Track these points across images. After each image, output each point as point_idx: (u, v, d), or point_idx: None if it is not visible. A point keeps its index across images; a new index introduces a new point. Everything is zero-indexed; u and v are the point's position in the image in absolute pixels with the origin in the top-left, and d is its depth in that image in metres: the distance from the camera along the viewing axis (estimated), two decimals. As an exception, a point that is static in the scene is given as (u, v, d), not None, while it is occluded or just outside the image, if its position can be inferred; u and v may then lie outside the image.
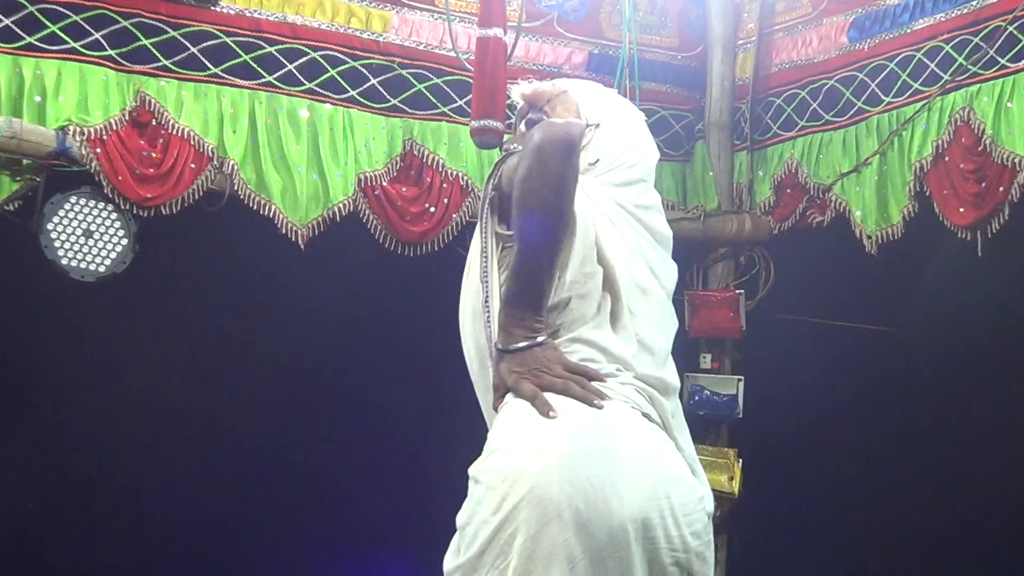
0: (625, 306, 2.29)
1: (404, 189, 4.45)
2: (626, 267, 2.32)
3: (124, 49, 4.05)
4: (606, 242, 2.31)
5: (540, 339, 2.21)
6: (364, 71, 4.43)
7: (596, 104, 2.53)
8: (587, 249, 2.28)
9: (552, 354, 2.21)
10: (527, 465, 2.09)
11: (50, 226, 3.98)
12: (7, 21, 3.86)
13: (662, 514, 2.08)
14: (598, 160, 2.46)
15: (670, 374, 2.35)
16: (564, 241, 2.22)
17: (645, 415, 2.21)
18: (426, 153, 4.49)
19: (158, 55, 4.10)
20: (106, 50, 4.01)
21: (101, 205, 4.04)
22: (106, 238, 4.06)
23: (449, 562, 2.18)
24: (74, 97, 3.94)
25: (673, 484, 2.12)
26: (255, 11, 4.26)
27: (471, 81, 4.53)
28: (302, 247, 4.26)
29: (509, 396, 2.22)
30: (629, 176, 2.46)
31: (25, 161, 3.90)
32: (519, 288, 2.22)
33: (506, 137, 2.62)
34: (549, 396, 2.16)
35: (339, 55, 4.39)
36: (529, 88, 2.57)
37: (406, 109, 4.49)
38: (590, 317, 2.27)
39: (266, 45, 4.27)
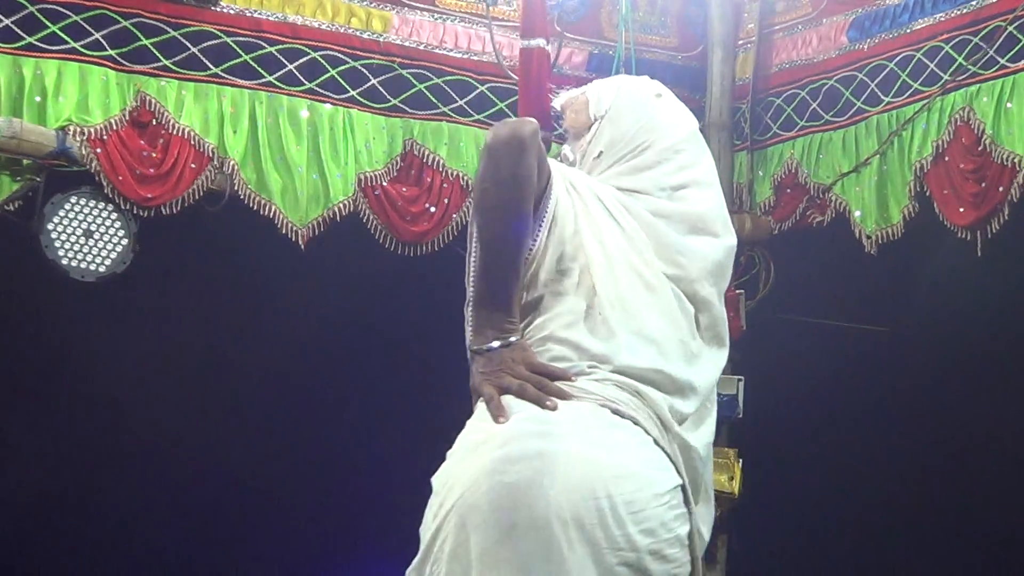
0: (607, 302, 2.25)
1: (404, 189, 4.45)
2: (619, 260, 2.30)
3: (124, 49, 4.05)
4: (590, 237, 2.30)
5: (511, 339, 2.20)
6: (364, 71, 4.43)
7: (602, 97, 2.52)
8: (564, 246, 2.28)
9: (519, 354, 2.20)
10: (462, 471, 2.11)
11: (50, 226, 3.98)
12: (7, 21, 3.86)
13: (601, 513, 2.03)
14: (601, 152, 2.47)
15: (680, 369, 2.28)
16: (526, 240, 2.21)
17: (617, 412, 2.16)
18: (426, 153, 4.49)
19: (158, 55, 4.10)
20: (106, 50, 4.02)
21: (101, 205, 4.04)
22: (106, 238, 4.06)
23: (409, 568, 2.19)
24: (74, 97, 3.95)
25: (617, 482, 2.05)
26: (255, 11, 4.27)
27: (472, 81, 4.58)
28: (302, 247, 4.26)
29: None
30: (646, 159, 2.43)
31: (25, 161, 3.91)
32: (484, 289, 2.22)
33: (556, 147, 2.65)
34: (507, 398, 2.16)
35: (339, 55, 4.39)
36: (563, 98, 2.60)
37: (406, 109, 4.49)
38: (565, 314, 2.25)
39: (266, 45, 4.27)
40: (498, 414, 2.14)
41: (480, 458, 2.09)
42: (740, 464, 4.71)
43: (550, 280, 2.27)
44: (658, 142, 2.45)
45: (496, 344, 2.20)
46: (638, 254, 2.33)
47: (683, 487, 2.19)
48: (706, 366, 2.35)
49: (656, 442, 2.18)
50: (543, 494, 2.02)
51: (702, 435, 2.33)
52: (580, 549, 2.02)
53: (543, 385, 2.16)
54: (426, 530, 2.12)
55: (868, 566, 4.93)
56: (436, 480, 2.16)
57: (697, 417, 2.33)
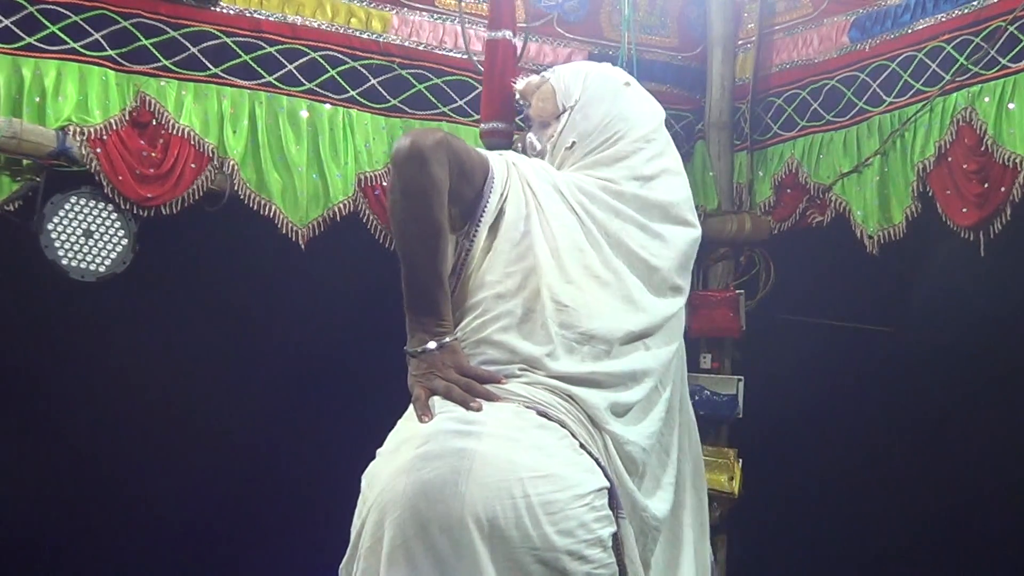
0: (551, 305, 2.27)
1: (404, 189, 4.44)
2: (572, 260, 2.31)
3: (124, 49, 4.04)
4: (540, 238, 2.31)
5: (444, 341, 2.25)
6: (364, 71, 4.43)
7: (570, 87, 2.54)
8: (512, 245, 2.31)
9: (449, 357, 2.24)
10: (383, 469, 2.16)
11: (50, 226, 3.97)
12: (7, 21, 3.85)
13: (516, 513, 2.05)
14: (574, 143, 2.48)
15: (627, 361, 2.31)
16: (439, 245, 2.24)
17: (543, 414, 2.19)
18: (426, 153, 4.48)
19: (158, 55, 4.10)
20: (106, 50, 4.01)
21: (101, 205, 4.04)
22: (106, 238, 4.06)
23: None
24: (74, 97, 3.94)
25: (534, 483, 2.08)
26: (255, 11, 4.27)
27: (471, 81, 4.57)
28: (302, 247, 4.26)
29: None
30: (619, 150, 2.45)
31: (25, 161, 3.90)
32: (409, 295, 2.28)
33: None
34: (434, 399, 2.20)
35: (339, 55, 4.39)
36: (522, 83, 2.61)
37: (406, 109, 4.49)
38: (503, 317, 2.28)
39: (266, 45, 4.27)
40: (422, 414, 2.19)
41: (400, 456, 2.14)
42: (740, 464, 4.72)
43: (495, 282, 2.30)
44: (630, 132, 2.47)
45: (426, 347, 2.24)
46: (596, 248, 2.34)
47: (610, 490, 2.20)
48: (660, 356, 2.40)
49: (583, 445, 2.20)
50: (458, 492, 2.05)
51: (646, 426, 2.36)
52: (494, 547, 2.04)
53: (470, 387, 2.21)
54: (352, 527, 2.18)
55: (869, 566, 4.92)
56: (363, 479, 2.21)
57: (644, 405, 2.35)
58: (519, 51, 3.81)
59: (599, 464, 2.21)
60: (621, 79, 2.59)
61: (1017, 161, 3.82)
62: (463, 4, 4.44)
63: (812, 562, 4.81)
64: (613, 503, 2.21)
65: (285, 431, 4.91)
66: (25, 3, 3.88)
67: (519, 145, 2.62)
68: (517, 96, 2.65)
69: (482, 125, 3.62)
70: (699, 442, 2.67)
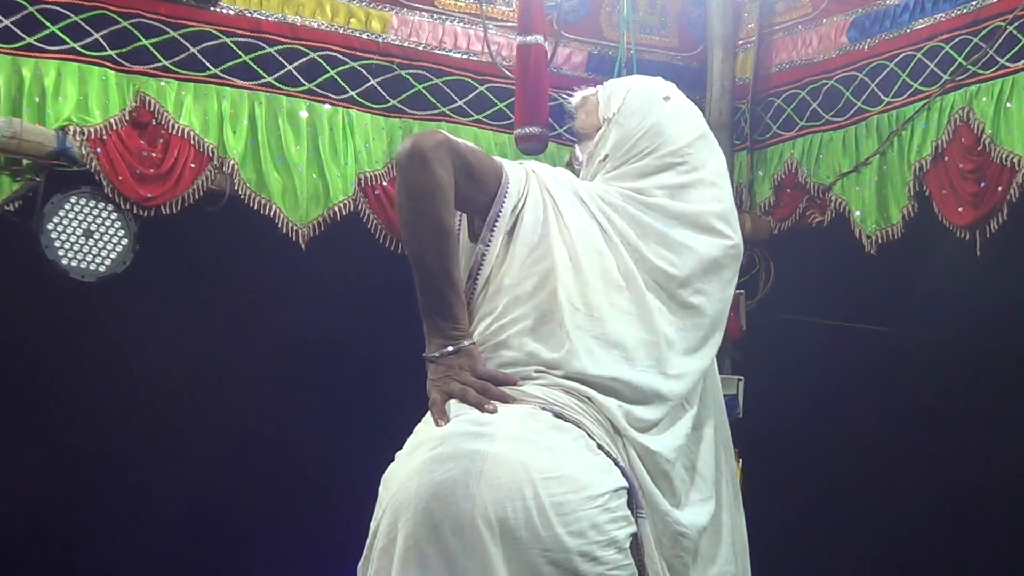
0: (568, 306, 2.26)
1: (404, 189, 4.45)
2: (591, 264, 2.31)
3: (124, 49, 4.06)
4: (558, 241, 2.31)
5: (461, 345, 2.24)
6: (363, 71, 4.43)
7: (612, 100, 2.53)
8: (530, 249, 2.30)
9: (465, 361, 2.23)
10: (398, 471, 2.18)
11: (50, 226, 3.98)
12: (7, 21, 3.87)
13: (527, 514, 2.05)
14: (607, 155, 2.48)
15: (647, 376, 2.27)
16: (448, 247, 2.24)
17: (559, 415, 2.18)
18: (426, 153, 4.48)
19: (158, 55, 4.11)
20: (106, 50, 4.02)
21: (101, 205, 4.05)
22: (106, 238, 4.07)
23: None
24: (74, 97, 3.95)
25: (546, 484, 2.07)
26: (255, 11, 4.28)
27: (471, 82, 4.58)
28: (302, 247, 4.27)
29: None
30: (650, 164, 2.43)
31: (25, 161, 3.91)
32: (423, 300, 2.26)
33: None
34: (450, 402, 2.20)
35: (338, 55, 4.40)
36: (577, 97, 2.61)
37: (405, 109, 4.50)
38: (520, 320, 2.27)
39: (266, 46, 4.28)
40: (438, 417, 2.19)
41: (415, 458, 2.15)
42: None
43: (512, 286, 2.29)
44: (663, 146, 2.45)
45: (444, 351, 2.24)
46: (617, 256, 2.33)
47: (629, 491, 2.18)
48: (682, 374, 2.34)
49: (600, 446, 2.19)
50: (469, 493, 2.05)
51: (669, 439, 2.32)
52: (504, 548, 2.04)
53: (485, 389, 2.20)
54: (370, 529, 2.18)
55: (869, 566, 4.93)
56: (381, 481, 2.22)
57: (668, 421, 2.32)
58: (550, 55, 3.79)
59: (618, 464, 2.19)
60: (661, 92, 2.55)
61: (1015, 161, 3.82)
62: (484, 8, 4.43)
63: (812, 561, 4.81)
64: (632, 503, 2.19)
65: (284, 430, 4.92)
66: (25, 3, 3.89)
67: (570, 159, 2.64)
68: (573, 108, 2.65)
69: (516, 130, 3.62)
70: (734, 465, 2.64)
